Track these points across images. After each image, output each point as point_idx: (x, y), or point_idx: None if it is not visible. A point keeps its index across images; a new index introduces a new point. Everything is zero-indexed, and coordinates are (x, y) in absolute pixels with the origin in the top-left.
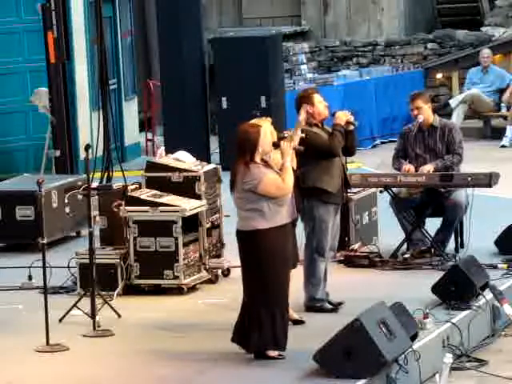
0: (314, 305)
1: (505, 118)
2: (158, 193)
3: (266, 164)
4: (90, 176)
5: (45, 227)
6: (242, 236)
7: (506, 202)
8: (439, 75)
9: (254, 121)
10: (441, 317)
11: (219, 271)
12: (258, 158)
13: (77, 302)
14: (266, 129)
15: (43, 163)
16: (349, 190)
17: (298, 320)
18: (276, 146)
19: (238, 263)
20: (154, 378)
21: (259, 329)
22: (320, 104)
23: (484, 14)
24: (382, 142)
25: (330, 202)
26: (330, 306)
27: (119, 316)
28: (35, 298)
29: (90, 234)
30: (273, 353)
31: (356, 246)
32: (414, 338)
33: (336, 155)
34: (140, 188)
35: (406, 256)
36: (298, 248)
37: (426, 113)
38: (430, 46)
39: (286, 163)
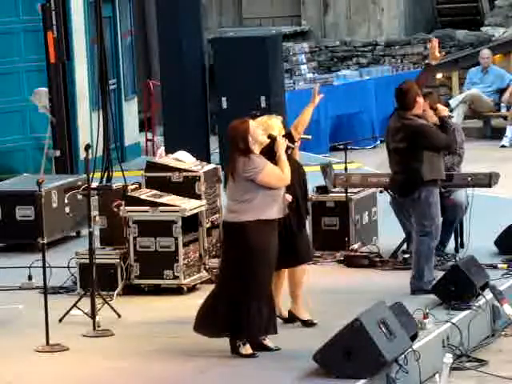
0: (426, 288)
1: (505, 117)
2: (158, 193)
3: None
4: (90, 176)
5: (45, 227)
6: (231, 228)
7: (506, 201)
8: (439, 75)
9: (264, 117)
10: (441, 317)
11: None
12: (256, 150)
13: (77, 302)
14: (254, 123)
15: (43, 163)
16: (350, 190)
17: (308, 321)
18: (272, 139)
19: None
20: (154, 377)
21: (247, 320)
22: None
23: (484, 14)
24: (382, 142)
25: (438, 186)
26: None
27: (119, 316)
28: (35, 298)
29: (90, 234)
30: (246, 350)
31: (356, 246)
32: (413, 338)
33: (451, 148)
34: (140, 188)
35: (406, 256)
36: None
37: (430, 112)
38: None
39: (281, 156)
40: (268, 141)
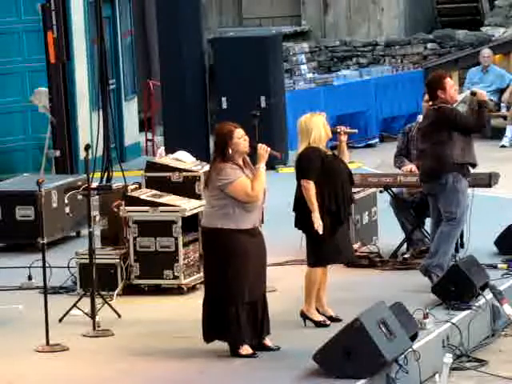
0: (433, 271)
1: (505, 118)
2: (158, 193)
3: (245, 166)
4: (90, 176)
5: (45, 227)
6: (205, 232)
7: (506, 201)
8: None
9: (307, 115)
10: (441, 317)
11: None
12: (238, 160)
13: (77, 302)
14: (240, 131)
15: (43, 163)
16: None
17: (334, 317)
18: (253, 149)
19: None
20: (154, 377)
21: (225, 326)
22: (451, 89)
23: (484, 14)
24: (382, 141)
25: (467, 175)
26: (437, 278)
27: (119, 316)
28: (35, 298)
29: (90, 234)
30: (245, 351)
31: (356, 246)
32: (414, 338)
33: (481, 131)
34: (140, 188)
35: (406, 256)
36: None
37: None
38: (429, 46)
39: (260, 169)
40: (248, 150)
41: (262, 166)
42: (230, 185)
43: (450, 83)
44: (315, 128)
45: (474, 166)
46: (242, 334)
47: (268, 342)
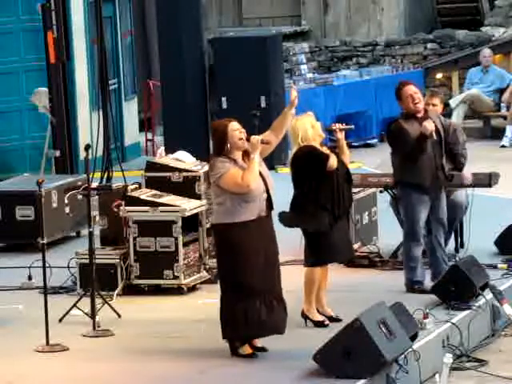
0: (413, 286)
1: (505, 118)
2: (158, 193)
3: (244, 161)
4: (90, 176)
5: (45, 227)
6: (212, 229)
7: (506, 201)
8: (439, 75)
9: (294, 119)
10: (441, 317)
11: None
12: (235, 154)
13: (77, 302)
14: (235, 124)
15: (43, 163)
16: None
17: (333, 318)
18: (247, 140)
19: None
20: (154, 377)
21: (230, 321)
22: (408, 98)
23: (484, 14)
24: (382, 141)
25: (423, 192)
26: (428, 288)
27: (119, 316)
28: (35, 298)
29: (90, 234)
30: (245, 351)
31: (356, 246)
32: (414, 338)
33: (413, 161)
34: (140, 188)
35: None
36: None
37: (436, 112)
38: (429, 46)
39: (252, 159)
40: (246, 146)
41: (255, 156)
42: (221, 178)
43: (407, 93)
44: (301, 129)
45: (418, 186)
46: (249, 331)
47: (256, 341)
